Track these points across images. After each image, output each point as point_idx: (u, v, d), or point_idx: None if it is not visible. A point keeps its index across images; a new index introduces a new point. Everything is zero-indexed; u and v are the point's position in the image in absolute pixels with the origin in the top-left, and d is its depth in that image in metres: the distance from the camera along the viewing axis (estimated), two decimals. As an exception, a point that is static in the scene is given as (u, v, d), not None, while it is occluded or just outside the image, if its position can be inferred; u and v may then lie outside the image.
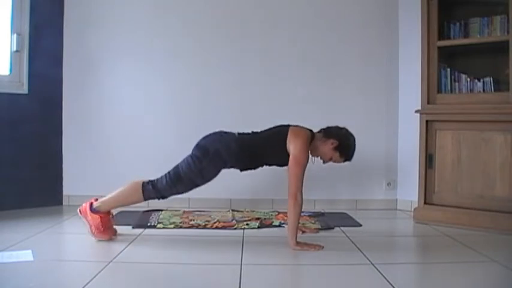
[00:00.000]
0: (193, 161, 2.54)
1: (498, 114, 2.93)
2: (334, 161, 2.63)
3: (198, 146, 2.59)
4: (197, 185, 2.59)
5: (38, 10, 3.49)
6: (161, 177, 2.59)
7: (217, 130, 2.67)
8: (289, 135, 2.53)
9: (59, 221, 3.13)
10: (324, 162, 2.66)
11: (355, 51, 3.74)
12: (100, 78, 3.70)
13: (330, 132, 2.60)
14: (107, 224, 2.60)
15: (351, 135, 2.62)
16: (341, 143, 2.57)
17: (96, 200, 2.63)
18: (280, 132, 2.57)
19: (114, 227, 2.68)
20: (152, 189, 2.56)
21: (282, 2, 3.74)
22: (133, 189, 2.59)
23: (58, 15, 3.64)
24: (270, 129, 2.67)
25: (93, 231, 2.58)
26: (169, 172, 2.58)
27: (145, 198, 2.59)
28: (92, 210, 2.58)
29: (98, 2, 3.69)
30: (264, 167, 2.68)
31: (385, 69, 3.75)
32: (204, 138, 2.63)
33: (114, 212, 3.33)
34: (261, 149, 2.58)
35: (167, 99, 3.72)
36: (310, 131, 2.61)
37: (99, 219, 2.57)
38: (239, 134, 2.64)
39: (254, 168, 2.68)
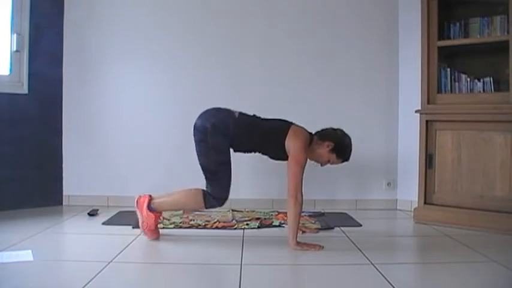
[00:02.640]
0: (201, 146, 2.54)
1: (498, 114, 2.93)
2: (332, 163, 2.63)
3: (195, 128, 2.59)
4: (228, 162, 2.55)
5: (38, 10, 3.49)
6: (207, 187, 2.58)
7: (212, 107, 2.65)
8: (289, 134, 2.53)
9: (59, 221, 3.13)
10: (321, 165, 2.67)
11: (355, 52, 3.74)
12: (100, 78, 3.70)
13: (325, 134, 2.61)
14: (157, 224, 2.65)
15: (346, 135, 2.62)
16: (337, 144, 2.57)
17: (150, 196, 2.62)
18: (281, 128, 2.57)
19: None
20: (213, 199, 2.56)
21: (281, 2, 3.74)
22: (194, 199, 2.58)
23: (58, 15, 3.64)
24: (272, 120, 2.65)
25: (145, 227, 2.60)
26: (205, 176, 2.57)
27: (207, 207, 2.60)
28: (150, 208, 2.59)
29: (98, 2, 3.69)
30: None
31: (385, 69, 3.75)
32: (199, 117, 2.62)
33: (115, 211, 3.34)
34: (258, 138, 2.58)
35: (167, 98, 3.72)
36: (310, 133, 2.62)
37: (154, 219, 2.60)
38: (240, 114, 2.62)
39: (245, 152, 2.67)
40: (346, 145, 2.60)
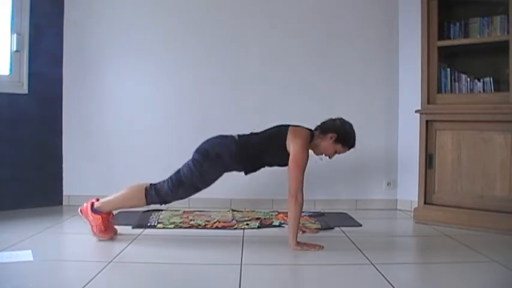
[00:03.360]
0: (194, 164, 2.55)
1: (498, 114, 2.93)
2: (340, 153, 2.62)
3: (198, 150, 2.60)
4: (198, 189, 2.60)
5: (38, 10, 3.49)
6: (163, 182, 2.59)
7: (216, 135, 2.67)
8: (288, 135, 2.53)
9: (59, 221, 3.13)
10: (329, 157, 2.65)
11: (355, 51, 3.74)
12: (100, 78, 3.70)
13: (325, 127, 2.61)
14: (107, 224, 2.61)
15: (346, 122, 2.62)
16: (339, 134, 2.57)
17: (98, 200, 2.64)
18: (279, 133, 2.57)
19: (115, 226, 2.69)
20: (155, 195, 2.57)
21: (282, 2, 3.74)
22: (135, 194, 2.60)
23: (58, 15, 3.64)
24: (269, 129, 2.67)
25: (95, 230, 2.59)
26: (170, 177, 2.59)
27: (148, 203, 2.60)
28: (93, 210, 2.59)
29: (97, 2, 3.69)
30: (266, 167, 2.69)
31: (385, 69, 3.75)
32: (204, 142, 2.63)
33: (115, 212, 3.33)
34: (261, 149, 2.59)
35: (167, 98, 3.72)
36: (310, 130, 2.62)
37: (101, 220, 2.58)
38: (239, 136, 2.64)
39: (256, 170, 2.68)
40: (349, 132, 2.60)
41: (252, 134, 2.68)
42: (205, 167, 2.54)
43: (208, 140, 2.64)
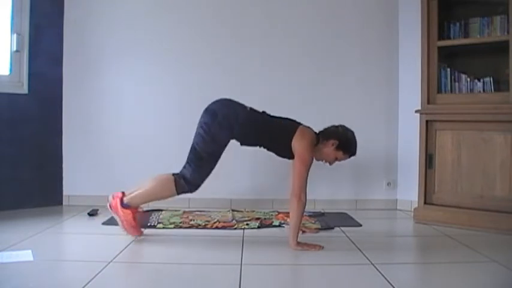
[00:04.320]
0: (204, 129, 2.54)
1: (498, 114, 2.93)
2: (340, 160, 2.63)
3: (206, 110, 2.60)
4: (218, 157, 2.56)
5: (38, 10, 3.49)
6: (185, 167, 2.57)
7: (228, 97, 2.66)
8: (296, 134, 2.54)
9: (59, 221, 3.13)
10: (330, 164, 2.66)
11: (355, 51, 3.75)
12: (100, 78, 3.70)
13: (327, 133, 2.61)
14: (137, 218, 2.62)
15: (349, 130, 2.63)
16: (341, 141, 2.58)
17: (123, 193, 2.62)
18: (288, 128, 2.58)
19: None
20: (184, 183, 2.55)
21: (282, 2, 3.74)
22: (166, 185, 2.57)
23: (58, 15, 3.64)
24: (281, 118, 2.67)
25: (125, 226, 2.59)
26: (189, 157, 2.57)
27: (179, 193, 2.58)
28: (123, 205, 2.58)
29: (97, 2, 3.69)
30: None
31: (385, 69, 3.75)
32: (213, 103, 2.63)
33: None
34: (265, 134, 2.60)
35: (167, 98, 3.72)
36: (316, 133, 2.63)
37: (131, 215, 2.59)
38: (251, 109, 2.64)
39: (252, 145, 2.67)
40: (350, 140, 2.61)
41: (264, 113, 2.68)
42: (214, 129, 2.52)
43: (217, 101, 2.63)
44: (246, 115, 2.57)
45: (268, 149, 2.67)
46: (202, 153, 2.54)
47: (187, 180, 2.55)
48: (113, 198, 2.63)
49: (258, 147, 2.67)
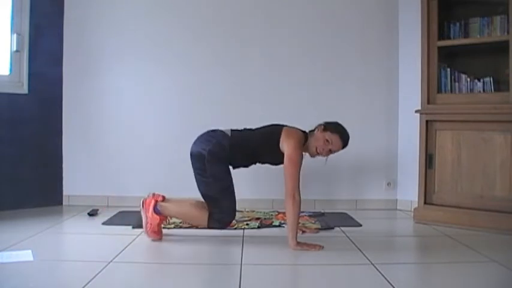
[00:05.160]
0: (200, 175, 2.58)
1: (498, 114, 2.92)
2: (333, 143, 2.54)
3: (192, 156, 2.62)
4: (230, 186, 2.59)
5: (38, 10, 3.49)
6: (212, 212, 2.58)
7: (204, 131, 2.68)
8: (282, 136, 2.54)
9: (59, 221, 3.13)
10: (324, 154, 2.59)
11: (355, 51, 3.74)
12: (100, 78, 3.70)
13: (315, 127, 2.64)
14: (161, 225, 2.65)
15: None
16: (326, 124, 2.60)
17: (163, 198, 2.64)
18: (273, 132, 2.59)
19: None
20: (216, 224, 2.59)
21: (282, 2, 3.74)
22: (200, 217, 2.61)
23: (58, 15, 3.64)
24: (263, 127, 2.68)
25: (148, 228, 2.61)
26: (208, 204, 2.60)
27: (209, 228, 2.63)
28: (156, 210, 2.60)
29: (98, 2, 3.69)
30: (258, 164, 2.69)
31: (385, 69, 3.75)
32: (194, 143, 2.64)
33: (115, 211, 3.34)
34: (253, 147, 2.60)
35: (167, 98, 3.72)
36: (304, 132, 2.62)
37: (158, 221, 2.61)
38: (232, 131, 2.64)
39: (247, 166, 2.70)
40: (336, 122, 2.62)
41: (245, 129, 2.69)
42: (209, 170, 2.54)
43: (196, 140, 2.65)
44: (230, 141, 2.58)
45: (262, 162, 2.68)
46: (215, 195, 2.57)
47: (218, 221, 2.59)
48: (151, 197, 2.65)
49: (252, 164, 2.69)
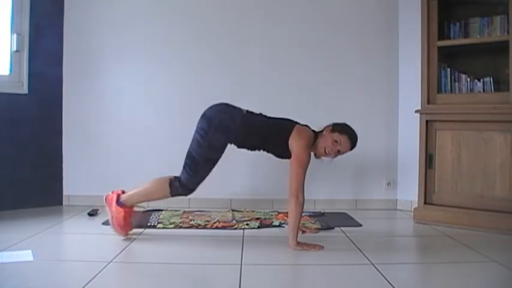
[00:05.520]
0: (200, 135, 2.56)
1: (498, 114, 2.92)
2: (341, 146, 2.54)
3: (203, 117, 2.61)
4: (215, 161, 2.58)
5: (38, 10, 3.49)
6: (182, 171, 2.59)
7: (224, 102, 2.68)
8: (293, 133, 2.54)
9: (59, 221, 3.13)
10: (332, 155, 2.58)
11: (355, 51, 3.75)
12: (100, 78, 3.70)
13: (323, 127, 2.64)
14: (128, 219, 2.64)
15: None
16: (334, 124, 2.61)
17: (123, 192, 2.65)
18: (285, 127, 2.58)
19: (133, 223, 2.72)
20: (179, 186, 2.57)
21: (282, 2, 3.74)
22: (160, 186, 2.60)
23: (58, 15, 3.64)
24: (277, 119, 2.67)
25: (114, 223, 2.61)
26: (185, 162, 2.59)
27: (173, 195, 2.61)
28: (118, 203, 2.60)
29: (98, 2, 3.69)
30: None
31: (385, 69, 3.75)
32: (210, 108, 2.64)
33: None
34: (263, 136, 2.60)
35: (167, 98, 3.72)
36: (314, 132, 2.62)
37: (123, 213, 2.60)
38: (247, 111, 2.65)
39: (250, 149, 2.68)
40: (344, 124, 2.63)
41: (260, 115, 2.68)
42: (211, 135, 2.53)
43: (213, 106, 2.65)
44: (242, 119, 2.58)
45: (267, 151, 2.67)
46: (199, 159, 2.55)
47: (182, 183, 2.57)
48: (112, 192, 2.67)
49: (256, 150, 2.67)
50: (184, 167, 2.59)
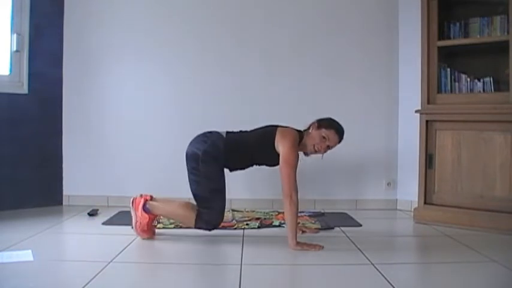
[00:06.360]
0: (194, 174, 2.58)
1: (498, 114, 2.92)
2: (329, 139, 2.55)
3: (187, 157, 2.63)
4: (221, 189, 2.59)
5: (38, 10, 3.49)
6: (200, 212, 2.58)
7: (200, 133, 2.69)
8: (277, 136, 2.55)
9: (59, 221, 3.13)
10: (321, 151, 2.59)
11: (355, 51, 3.74)
12: (100, 78, 3.70)
13: (308, 125, 2.65)
14: (150, 225, 2.66)
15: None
16: (319, 120, 2.61)
17: (152, 197, 2.67)
18: (267, 133, 2.59)
19: (155, 229, 2.76)
20: (203, 225, 2.59)
21: (282, 2, 3.74)
22: (187, 216, 2.61)
23: (58, 15, 3.64)
24: (258, 129, 2.68)
25: (137, 227, 2.62)
26: (197, 204, 2.61)
27: (196, 227, 2.63)
28: (145, 209, 2.61)
29: (98, 2, 3.69)
30: (255, 166, 2.70)
31: (385, 69, 3.75)
32: (190, 144, 2.66)
33: (115, 211, 3.33)
34: (249, 149, 2.60)
35: (167, 98, 3.72)
36: (298, 131, 2.63)
37: (147, 219, 2.62)
38: (228, 132, 2.66)
39: (243, 169, 2.70)
40: (330, 118, 2.63)
41: (241, 131, 2.69)
42: (202, 169, 2.55)
43: (192, 141, 2.66)
44: (225, 142, 2.59)
45: (258, 164, 2.68)
46: (206, 195, 2.57)
47: (206, 221, 2.58)
48: (140, 196, 2.67)
49: (248, 167, 2.69)
50: (200, 209, 2.59)
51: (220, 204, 2.59)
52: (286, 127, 2.64)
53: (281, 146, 2.51)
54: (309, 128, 2.63)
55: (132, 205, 2.66)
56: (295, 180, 2.46)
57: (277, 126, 2.62)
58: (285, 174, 2.46)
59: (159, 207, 2.64)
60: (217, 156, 2.57)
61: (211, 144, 2.58)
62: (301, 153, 2.64)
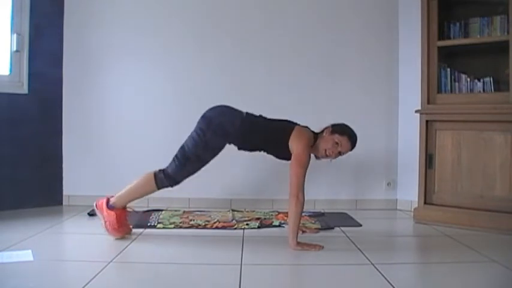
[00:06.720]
0: (198, 134, 2.57)
1: (498, 114, 2.92)
2: (341, 147, 2.56)
3: (203, 117, 2.62)
4: (206, 161, 2.60)
5: (38, 10, 3.49)
6: (170, 163, 2.60)
7: (224, 104, 2.68)
8: (293, 134, 2.55)
9: (59, 221, 3.13)
10: (332, 156, 2.59)
11: (355, 52, 3.74)
12: (100, 78, 3.70)
13: (323, 128, 2.65)
14: (121, 221, 2.64)
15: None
16: (334, 125, 2.61)
17: (112, 196, 2.66)
18: (285, 129, 2.59)
19: (130, 225, 2.73)
20: (164, 178, 2.59)
21: (282, 2, 3.74)
22: (145, 180, 2.62)
23: (58, 15, 3.64)
24: (277, 120, 2.68)
25: (108, 227, 2.61)
26: (176, 155, 2.60)
27: (159, 187, 2.62)
28: (109, 206, 2.61)
29: (98, 2, 3.69)
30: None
31: (385, 69, 3.75)
32: (210, 109, 2.65)
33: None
34: (262, 137, 2.61)
35: (167, 99, 3.72)
36: (314, 133, 2.63)
37: (114, 216, 2.60)
38: (247, 114, 2.66)
39: (250, 151, 2.70)
40: (344, 124, 2.63)
41: (260, 116, 2.69)
42: (209, 136, 2.54)
43: (214, 108, 2.66)
44: (242, 121, 2.59)
45: (267, 152, 2.68)
46: (191, 156, 2.56)
47: (168, 174, 2.58)
48: (99, 199, 2.68)
49: (256, 151, 2.68)
50: (173, 159, 2.60)
51: (193, 170, 2.59)
52: (303, 127, 2.64)
53: (295, 145, 2.52)
54: (322, 132, 2.62)
55: (96, 208, 2.66)
56: (304, 181, 2.46)
57: (295, 124, 2.63)
58: (294, 174, 2.46)
59: (120, 195, 2.63)
60: (228, 133, 2.56)
61: (230, 119, 2.58)
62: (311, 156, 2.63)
